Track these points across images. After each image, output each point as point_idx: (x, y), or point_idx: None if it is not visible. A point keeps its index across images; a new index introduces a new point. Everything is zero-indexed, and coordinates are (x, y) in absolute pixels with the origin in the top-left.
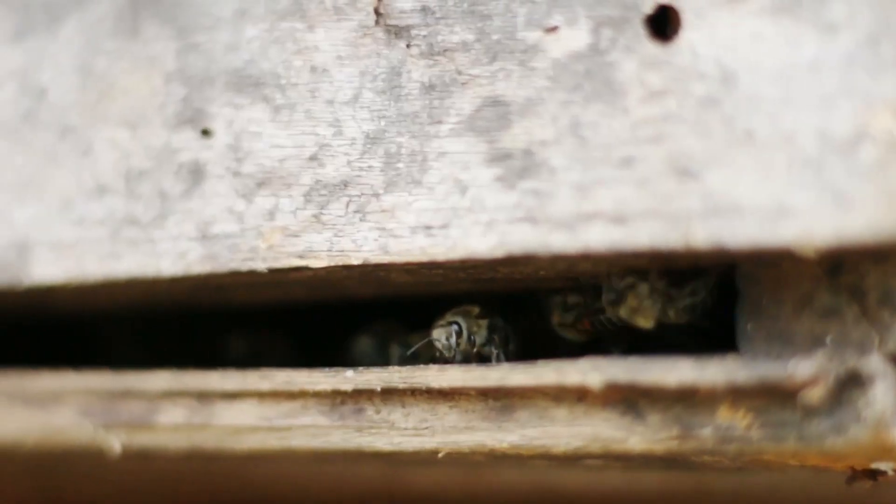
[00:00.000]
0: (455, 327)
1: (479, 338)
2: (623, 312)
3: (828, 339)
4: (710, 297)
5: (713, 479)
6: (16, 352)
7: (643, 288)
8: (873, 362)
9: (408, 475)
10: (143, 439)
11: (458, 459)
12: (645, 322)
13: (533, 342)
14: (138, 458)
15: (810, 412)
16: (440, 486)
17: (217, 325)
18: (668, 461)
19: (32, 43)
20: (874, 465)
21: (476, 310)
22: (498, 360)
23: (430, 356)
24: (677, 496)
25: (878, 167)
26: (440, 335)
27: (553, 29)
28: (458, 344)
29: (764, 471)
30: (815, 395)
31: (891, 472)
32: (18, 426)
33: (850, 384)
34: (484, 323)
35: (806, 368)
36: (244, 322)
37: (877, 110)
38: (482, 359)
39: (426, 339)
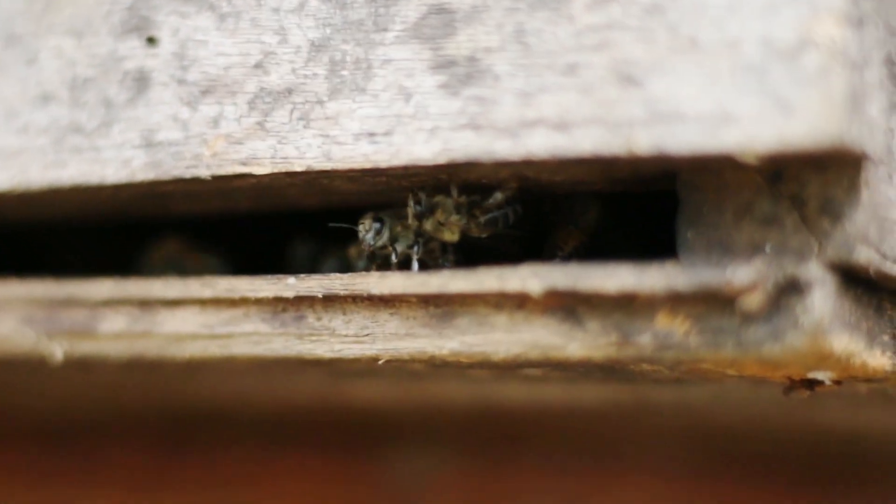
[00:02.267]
0: (377, 225)
1: (404, 240)
2: (429, 226)
3: (767, 247)
4: (513, 211)
5: (652, 392)
6: None
7: (449, 203)
8: (812, 269)
9: (349, 387)
10: (85, 347)
11: (399, 368)
12: (451, 236)
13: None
14: (80, 367)
15: (748, 319)
16: (382, 398)
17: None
18: (607, 370)
19: None
20: (811, 375)
21: (412, 211)
22: (416, 264)
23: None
24: (617, 409)
25: (820, 74)
26: (361, 226)
27: None
28: (375, 241)
29: (703, 383)
30: (753, 301)
31: (828, 382)
32: None
33: (789, 291)
34: (414, 225)
35: (744, 275)
36: (194, 237)
37: (821, 18)
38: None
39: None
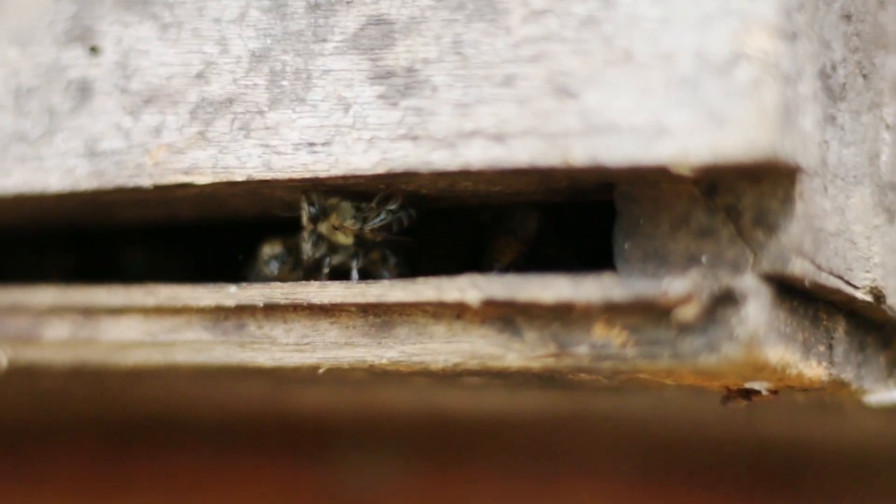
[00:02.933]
0: (314, 237)
1: (344, 252)
2: (324, 229)
3: (703, 258)
4: (407, 216)
5: (594, 400)
6: None
7: (344, 207)
8: (747, 281)
9: (295, 393)
10: (30, 354)
11: (340, 376)
12: (344, 239)
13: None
14: (25, 374)
15: (684, 330)
16: (328, 405)
17: (117, 243)
18: (546, 379)
19: None
20: (748, 385)
21: (349, 223)
22: (355, 275)
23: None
24: (559, 416)
25: (753, 87)
26: (303, 237)
27: None
28: (313, 252)
29: (643, 391)
30: (688, 312)
31: (764, 392)
32: None
33: (724, 302)
34: (308, 228)
35: (680, 286)
36: (144, 240)
37: (753, 31)
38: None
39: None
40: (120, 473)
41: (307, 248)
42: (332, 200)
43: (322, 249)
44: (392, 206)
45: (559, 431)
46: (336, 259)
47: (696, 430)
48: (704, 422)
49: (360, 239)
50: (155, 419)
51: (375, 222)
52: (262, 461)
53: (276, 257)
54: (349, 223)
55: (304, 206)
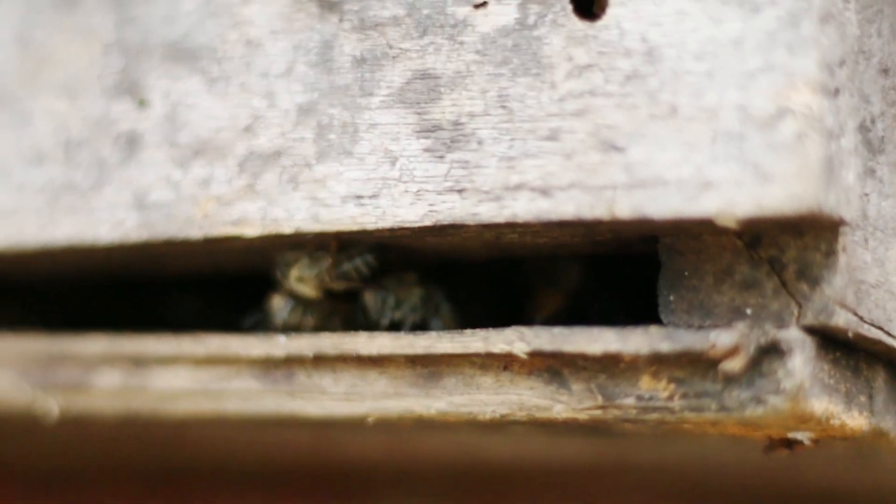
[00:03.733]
0: (382, 293)
1: (409, 305)
2: (291, 283)
3: (748, 311)
4: (363, 263)
5: (633, 447)
6: None
7: (304, 259)
8: (792, 333)
9: (338, 439)
10: (80, 403)
11: (387, 425)
12: (309, 291)
13: (467, 310)
14: (73, 423)
15: (730, 382)
16: (370, 449)
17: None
18: (589, 428)
19: None
20: (791, 435)
21: (411, 277)
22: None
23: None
24: (598, 463)
25: (797, 141)
26: (368, 299)
27: (482, 4)
28: (383, 309)
29: (683, 439)
30: (735, 365)
31: (807, 442)
32: None
33: (770, 355)
34: (416, 291)
35: (727, 338)
36: (185, 287)
37: (797, 86)
38: (414, 325)
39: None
40: None
41: (372, 305)
42: (294, 255)
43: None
44: (350, 257)
45: (598, 477)
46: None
47: (735, 477)
48: (744, 469)
49: (326, 291)
50: (199, 463)
51: (337, 271)
52: None
53: (283, 308)
54: (308, 273)
55: (276, 266)
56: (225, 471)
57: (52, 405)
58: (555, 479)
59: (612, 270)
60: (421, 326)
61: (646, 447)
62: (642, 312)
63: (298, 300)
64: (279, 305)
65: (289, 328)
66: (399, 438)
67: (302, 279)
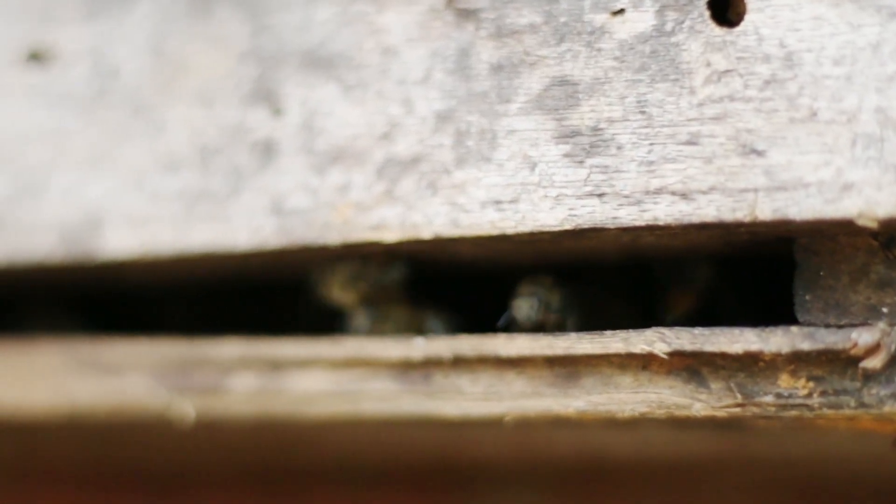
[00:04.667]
0: (536, 299)
1: (554, 307)
2: (334, 291)
3: (884, 309)
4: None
5: (756, 441)
6: (86, 325)
7: (346, 270)
8: None
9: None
10: (216, 406)
11: (524, 425)
12: (346, 298)
13: (593, 311)
14: (207, 427)
15: (870, 379)
16: (483, 442)
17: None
18: (721, 424)
19: (105, 23)
20: None
21: (549, 280)
22: (570, 328)
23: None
24: (719, 457)
25: None
26: (521, 306)
27: (619, 11)
28: (537, 315)
29: (808, 431)
30: (876, 362)
31: None
32: (92, 394)
33: None
34: (557, 292)
35: (868, 337)
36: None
37: None
38: (555, 327)
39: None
40: None
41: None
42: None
43: (541, 313)
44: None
45: (719, 472)
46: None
47: (856, 471)
48: (865, 463)
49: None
50: (309, 456)
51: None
52: (414, 499)
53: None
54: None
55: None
56: (333, 461)
57: (188, 409)
58: (674, 473)
59: (739, 271)
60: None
61: (762, 441)
62: (767, 312)
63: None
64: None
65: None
66: (503, 432)
67: (344, 288)
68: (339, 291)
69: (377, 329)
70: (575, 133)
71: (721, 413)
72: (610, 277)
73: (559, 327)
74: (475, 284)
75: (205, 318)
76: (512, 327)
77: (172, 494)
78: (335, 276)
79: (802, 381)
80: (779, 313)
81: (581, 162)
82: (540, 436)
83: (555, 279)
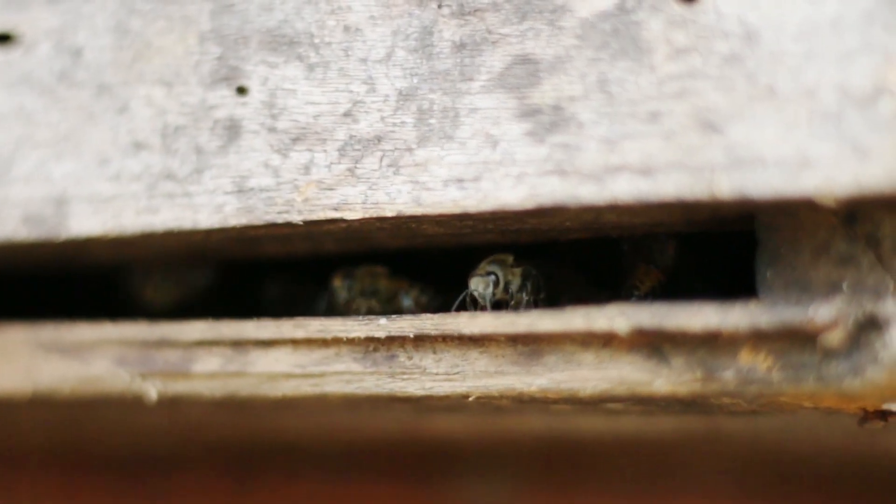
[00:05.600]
0: (493, 277)
1: (514, 286)
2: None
3: (844, 285)
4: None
5: (725, 421)
6: (51, 304)
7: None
8: (889, 306)
9: (425, 419)
10: (179, 387)
11: (486, 404)
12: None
13: (557, 288)
14: (171, 406)
15: (829, 354)
16: (457, 428)
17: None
18: (685, 404)
19: (67, 4)
20: (886, 406)
21: (510, 259)
22: (527, 306)
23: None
24: (688, 437)
25: (895, 120)
26: (477, 285)
27: None
28: (493, 294)
29: (776, 413)
30: (834, 338)
31: None
32: (55, 375)
33: (868, 327)
34: (518, 271)
35: (826, 312)
36: (277, 269)
37: (895, 65)
38: (516, 306)
39: (465, 293)
40: (248, 498)
41: (488, 293)
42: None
43: (500, 291)
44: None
45: (689, 452)
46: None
47: (825, 448)
48: (834, 440)
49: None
50: (283, 443)
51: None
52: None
53: (343, 287)
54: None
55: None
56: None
57: (150, 390)
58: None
59: (705, 245)
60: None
61: (733, 421)
62: (735, 287)
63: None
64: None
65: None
66: (490, 417)
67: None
68: (151, 293)
69: (364, 304)
70: (536, 111)
71: (682, 389)
72: (578, 254)
73: (535, 305)
74: (449, 265)
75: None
76: (475, 306)
77: (140, 476)
78: (149, 277)
79: (763, 356)
80: (748, 288)
81: (542, 140)
82: (512, 420)
83: (517, 257)
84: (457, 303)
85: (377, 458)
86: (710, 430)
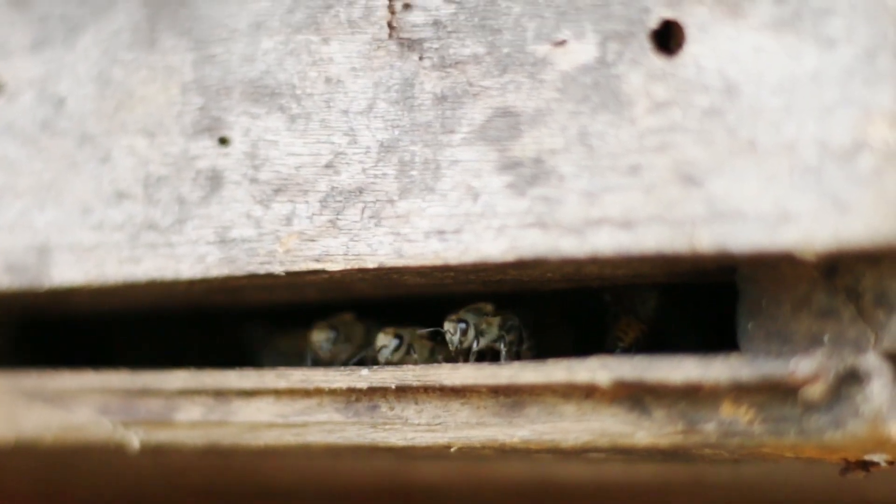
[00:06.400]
0: (462, 325)
1: (489, 335)
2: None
3: (825, 338)
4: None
5: (708, 469)
6: (34, 351)
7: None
8: (870, 360)
9: (411, 465)
10: (161, 436)
11: (468, 454)
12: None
13: (544, 338)
14: (153, 454)
15: (810, 407)
16: (443, 475)
17: (228, 321)
18: (668, 454)
19: (50, 53)
20: (867, 457)
21: (489, 307)
22: (505, 358)
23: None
24: (672, 486)
25: (874, 175)
26: (448, 330)
27: (561, 42)
28: (461, 342)
29: (758, 462)
30: (815, 391)
31: (883, 464)
32: (38, 423)
33: (849, 381)
34: (495, 321)
35: (807, 366)
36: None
37: (874, 120)
38: (494, 354)
39: (433, 329)
40: None
41: (455, 339)
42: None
43: (469, 340)
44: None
45: (668, 498)
46: (483, 343)
47: (807, 494)
48: (817, 490)
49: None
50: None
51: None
52: None
53: (326, 340)
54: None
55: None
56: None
57: (132, 438)
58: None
59: (688, 298)
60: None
61: (718, 469)
62: (718, 338)
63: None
64: (384, 342)
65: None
66: (474, 465)
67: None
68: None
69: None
70: (517, 164)
71: (663, 441)
72: (560, 306)
73: (517, 355)
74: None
75: (157, 345)
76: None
77: None
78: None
79: (744, 409)
80: (730, 337)
81: (523, 193)
82: (495, 466)
83: (498, 307)
84: (426, 331)
85: (357, 500)
86: (692, 476)
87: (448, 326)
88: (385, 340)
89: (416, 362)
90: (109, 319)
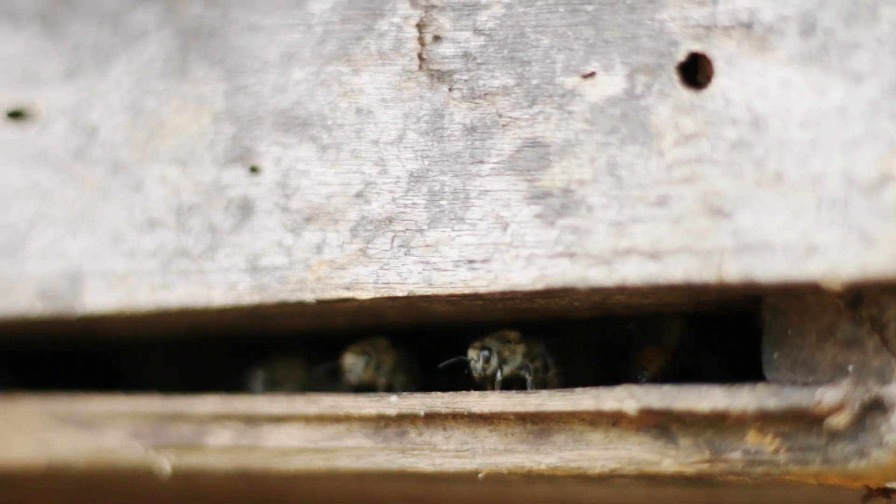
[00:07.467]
0: (485, 353)
1: (513, 363)
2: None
3: (850, 368)
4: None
5: (729, 493)
6: (60, 376)
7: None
8: (894, 390)
9: (436, 487)
10: (192, 460)
11: (496, 479)
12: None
13: (569, 365)
14: (184, 479)
15: (835, 437)
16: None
17: (233, 355)
18: (694, 481)
19: (83, 82)
20: (890, 485)
21: (513, 335)
22: (531, 385)
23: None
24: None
25: None
26: (470, 355)
27: (590, 75)
28: (484, 369)
29: (779, 487)
30: (840, 420)
31: None
32: (69, 447)
33: (873, 410)
34: (519, 348)
35: (833, 395)
36: (263, 351)
37: None
38: (521, 381)
39: (457, 359)
40: None
41: (478, 366)
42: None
43: (492, 367)
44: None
45: None
46: (507, 370)
47: None
48: None
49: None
50: None
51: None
52: None
53: (356, 364)
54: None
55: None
56: None
57: (163, 463)
58: None
59: (711, 327)
60: (523, 382)
61: (739, 493)
62: (741, 367)
63: (371, 357)
64: (352, 362)
65: (363, 384)
66: (498, 487)
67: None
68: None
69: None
70: (546, 194)
71: (690, 469)
72: (587, 334)
73: (543, 382)
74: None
75: (188, 372)
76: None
77: None
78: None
79: (769, 438)
80: (755, 367)
81: (552, 223)
82: (517, 486)
83: (524, 335)
84: (446, 363)
85: None
86: (713, 498)
87: (472, 354)
88: (353, 360)
89: (387, 378)
90: (127, 347)
